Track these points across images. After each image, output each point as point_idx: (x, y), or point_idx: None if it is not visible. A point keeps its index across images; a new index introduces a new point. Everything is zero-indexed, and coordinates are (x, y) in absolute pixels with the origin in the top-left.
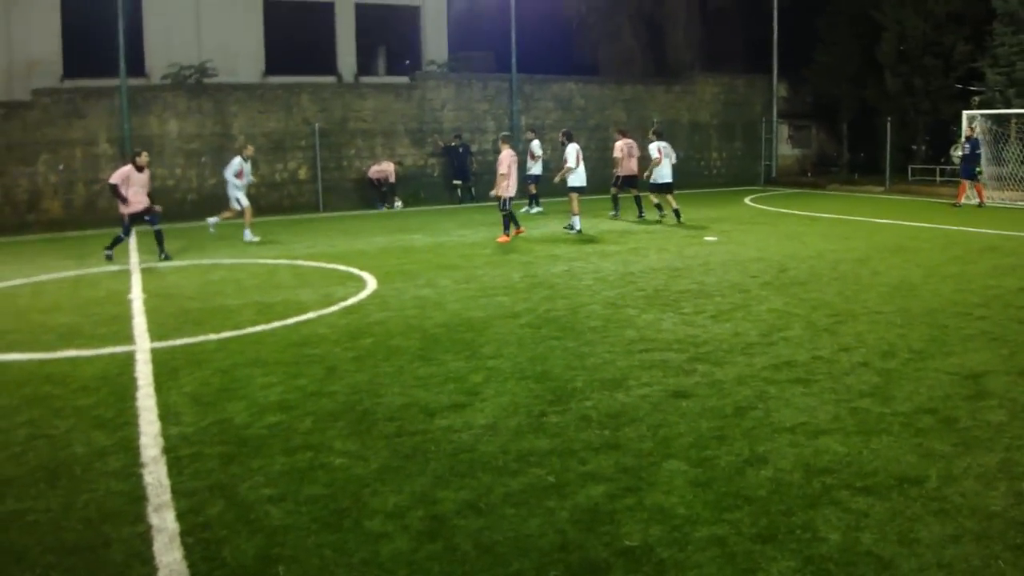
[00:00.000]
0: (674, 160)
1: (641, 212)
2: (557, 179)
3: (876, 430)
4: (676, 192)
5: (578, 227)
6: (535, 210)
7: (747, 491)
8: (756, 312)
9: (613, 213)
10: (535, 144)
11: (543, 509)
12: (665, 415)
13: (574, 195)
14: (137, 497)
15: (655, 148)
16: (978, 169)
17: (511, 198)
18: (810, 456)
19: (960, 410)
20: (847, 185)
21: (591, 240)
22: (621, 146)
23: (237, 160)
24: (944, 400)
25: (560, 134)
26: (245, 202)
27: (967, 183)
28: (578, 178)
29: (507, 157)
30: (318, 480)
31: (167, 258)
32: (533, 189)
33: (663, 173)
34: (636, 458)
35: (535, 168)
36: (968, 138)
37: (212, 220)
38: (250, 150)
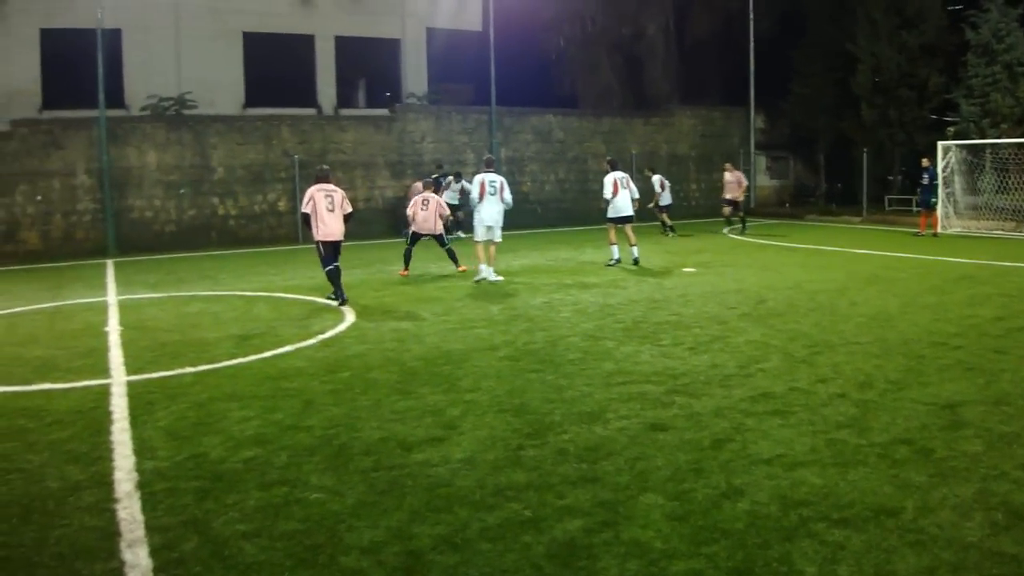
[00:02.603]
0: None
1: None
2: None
3: (853, 461)
4: (655, 222)
5: (616, 256)
6: (670, 235)
7: (724, 524)
8: (734, 343)
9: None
10: (655, 179)
11: (519, 544)
12: (643, 448)
13: (610, 226)
14: (110, 533)
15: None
16: (933, 199)
17: (419, 235)
18: (787, 488)
19: (936, 440)
20: (824, 215)
21: (571, 271)
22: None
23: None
24: (920, 431)
25: (605, 162)
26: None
27: (927, 212)
28: (614, 208)
29: (411, 193)
30: (293, 516)
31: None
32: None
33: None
34: (613, 492)
35: (664, 199)
36: (925, 169)
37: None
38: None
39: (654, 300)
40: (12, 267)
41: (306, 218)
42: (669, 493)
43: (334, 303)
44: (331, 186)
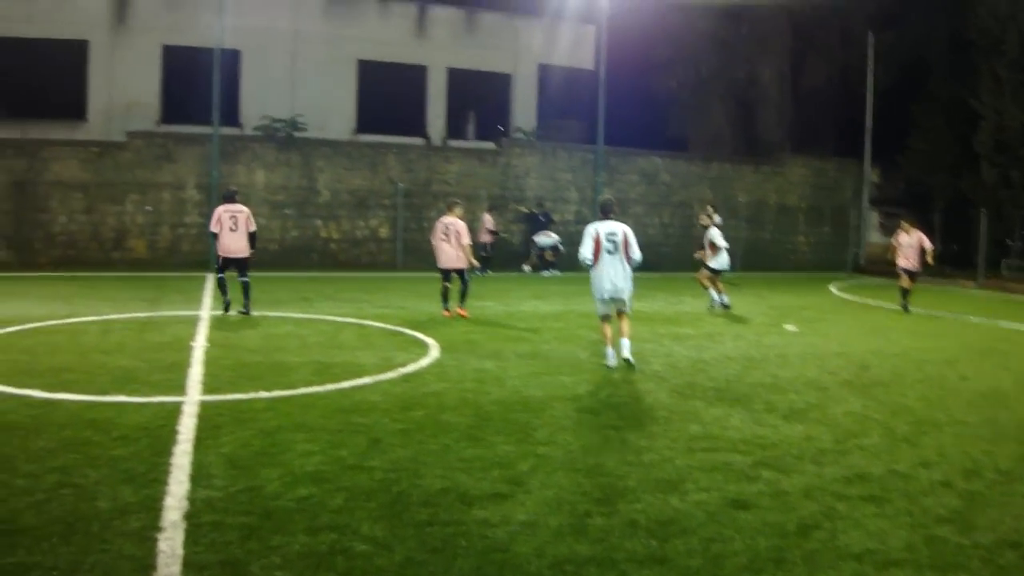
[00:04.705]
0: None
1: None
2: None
3: (953, 564)
4: (759, 274)
5: (718, 300)
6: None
7: None
8: (832, 414)
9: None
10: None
11: None
12: (720, 527)
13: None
14: (146, 565)
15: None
16: None
17: (448, 270)
18: None
19: None
20: (937, 278)
21: (667, 320)
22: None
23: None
24: None
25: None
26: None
27: None
28: (717, 261)
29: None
30: (336, 567)
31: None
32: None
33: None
34: None
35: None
36: None
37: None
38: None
39: (750, 358)
40: (118, 273)
41: (214, 236)
42: None
43: (230, 312)
44: (237, 207)
